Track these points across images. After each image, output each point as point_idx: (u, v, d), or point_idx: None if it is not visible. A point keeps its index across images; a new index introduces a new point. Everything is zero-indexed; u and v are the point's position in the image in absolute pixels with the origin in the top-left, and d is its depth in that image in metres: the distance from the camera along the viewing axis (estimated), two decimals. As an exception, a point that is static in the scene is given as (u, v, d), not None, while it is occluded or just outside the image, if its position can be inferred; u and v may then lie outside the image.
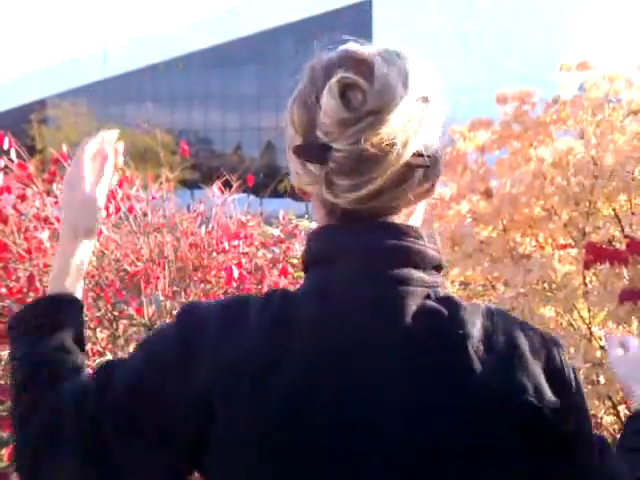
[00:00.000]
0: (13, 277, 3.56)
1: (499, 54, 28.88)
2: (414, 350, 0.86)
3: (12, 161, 3.31)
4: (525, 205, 3.13)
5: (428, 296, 0.89)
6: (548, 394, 0.86)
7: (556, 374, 0.89)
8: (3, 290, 3.39)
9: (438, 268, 0.93)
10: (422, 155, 0.86)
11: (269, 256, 4.74)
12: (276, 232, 4.73)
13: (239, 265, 3.52)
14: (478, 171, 3.20)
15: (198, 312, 0.93)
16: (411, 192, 0.89)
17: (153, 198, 3.73)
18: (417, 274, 0.88)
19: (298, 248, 5.25)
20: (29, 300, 3.47)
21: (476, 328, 0.87)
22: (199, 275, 3.91)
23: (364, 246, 0.89)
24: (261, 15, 34.91)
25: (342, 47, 0.92)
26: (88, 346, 3.56)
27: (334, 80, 0.84)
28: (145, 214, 3.61)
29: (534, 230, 3.40)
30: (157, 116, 32.29)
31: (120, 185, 3.45)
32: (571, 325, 3.35)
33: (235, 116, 38.87)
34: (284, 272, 4.27)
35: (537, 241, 3.55)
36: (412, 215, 0.94)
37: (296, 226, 5.00)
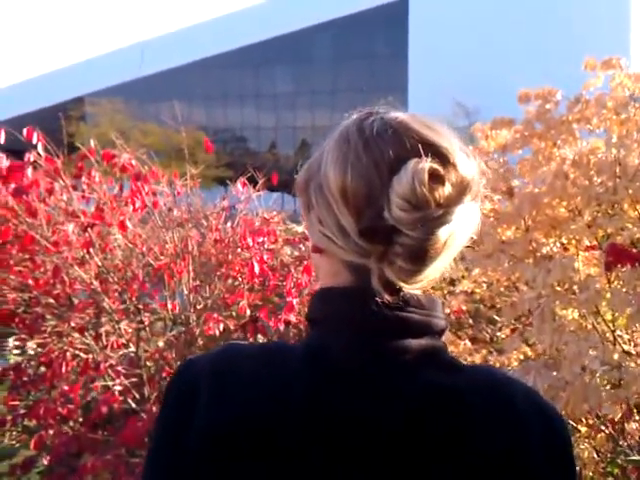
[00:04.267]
0: (41, 269, 3.64)
1: (526, 53, 28.47)
2: (405, 424, 0.86)
3: (40, 155, 3.38)
4: (547, 205, 3.09)
5: (427, 364, 0.89)
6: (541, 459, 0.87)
7: (552, 443, 0.89)
8: (30, 282, 3.47)
9: (441, 332, 0.93)
10: None
11: (296, 254, 4.77)
12: (300, 229, 4.75)
13: (261, 261, 3.55)
14: (500, 170, 3.17)
15: (188, 377, 0.96)
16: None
17: (178, 194, 3.78)
18: (415, 342, 0.89)
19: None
20: (56, 292, 3.55)
21: (475, 396, 0.88)
22: (223, 270, 3.95)
23: (363, 315, 0.88)
24: (297, 13, 34.96)
25: (399, 121, 0.91)
26: (112, 338, 3.62)
27: (423, 172, 0.83)
28: (170, 209, 3.66)
29: (557, 231, 3.36)
30: (192, 114, 32.52)
31: (146, 181, 3.51)
32: (595, 328, 3.30)
33: (270, 115, 39.00)
34: (307, 270, 4.29)
35: (561, 243, 3.51)
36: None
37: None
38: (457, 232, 0.85)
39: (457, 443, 0.84)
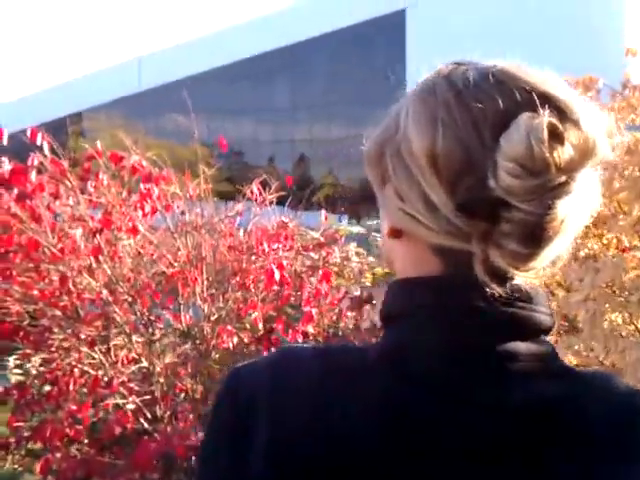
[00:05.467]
0: (46, 280, 3.42)
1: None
2: (519, 454, 0.70)
3: (45, 156, 3.17)
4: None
5: (538, 372, 0.72)
6: None
7: None
8: (35, 292, 3.24)
9: (549, 331, 0.76)
10: None
11: (307, 262, 4.55)
12: (316, 235, 4.55)
13: (280, 267, 3.32)
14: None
15: (243, 387, 0.79)
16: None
17: (191, 197, 3.56)
18: (523, 346, 0.72)
19: (338, 255, 5.06)
20: (63, 303, 3.32)
21: (603, 415, 0.72)
22: (237, 280, 3.74)
23: (463, 311, 0.71)
24: (294, 27, 35.00)
25: (502, 69, 0.73)
26: (122, 353, 3.40)
27: (541, 128, 0.64)
28: (183, 212, 3.44)
29: (599, 230, 3.15)
30: (191, 128, 32.43)
31: (157, 183, 3.29)
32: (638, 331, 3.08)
33: (268, 128, 38.96)
34: (326, 278, 4.07)
35: (602, 243, 3.30)
36: None
37: (337, 231, 4.82)
38: (580, 206, 0.68)
39: (573, 461, 0.69)
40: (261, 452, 0.72)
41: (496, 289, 0.69)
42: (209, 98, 39.57)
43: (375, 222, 8.53)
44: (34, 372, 3.95)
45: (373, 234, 5.47)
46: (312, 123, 37.63)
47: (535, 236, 0.66)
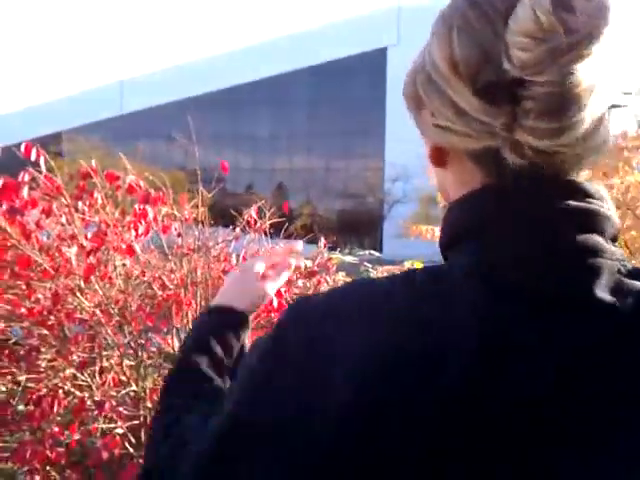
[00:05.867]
0: (33, 298, 3.31)
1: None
2: (617, 345, 0.68)
3: (40, 172, 3.08)
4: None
5: (619, 271, 0.70)
6: None
7: None
8: (23, 310, 3.13)
9: (614, 239, 0.74)
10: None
11: (296, 290, 4.48)
12: (309, 264, 4.48)
13: (279, 294, 3.24)
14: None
15: (311, 310, 0.77)
16: (605, 144, 0.72)
17: (186, 220, 3.49)
18: (607, 245, 0.70)
19: (330, 282, 5.00)
20: (50, 322, 3.21)
21: None
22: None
23: (541, 211, 0.70)
24: (277, 58, 35.29)
25: None
26: (111, 375, 3.29)
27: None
28: (180, 235, 3.37)
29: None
30: (171, 154, 32.40)
31: (155, 203, 3.22)
32: None
33: (248, 157, 39.02)
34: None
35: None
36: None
37: (330, 259, 4.76)
38: (603, 69, 0.66)
39: None
40: (349, 365, 0.68)
41: (573, 185, 0.70)
42: (188, 125, 39.51)
43: (367, 252, 8.59)
44: (4, 389, 3.80)
45: (365, 264, 5.46)
46: (292, 153, 37.78)
47: (558, 106, 0.65)
